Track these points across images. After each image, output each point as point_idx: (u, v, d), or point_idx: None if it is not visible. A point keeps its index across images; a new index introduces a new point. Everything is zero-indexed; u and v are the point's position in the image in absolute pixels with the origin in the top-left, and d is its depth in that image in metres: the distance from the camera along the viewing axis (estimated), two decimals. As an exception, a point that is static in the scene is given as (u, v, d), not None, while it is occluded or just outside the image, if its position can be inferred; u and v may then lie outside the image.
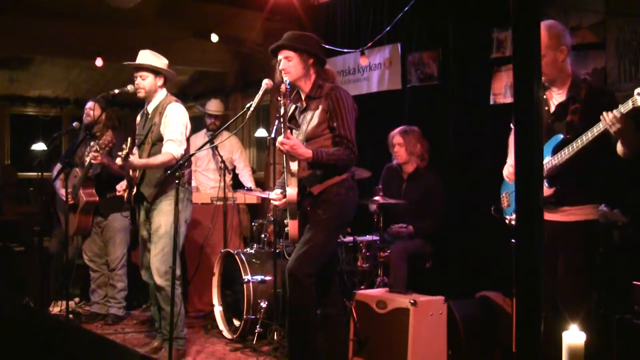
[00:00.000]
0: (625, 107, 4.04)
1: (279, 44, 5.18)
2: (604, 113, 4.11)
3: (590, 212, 4.50)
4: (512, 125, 4.94)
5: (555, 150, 4.37)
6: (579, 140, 4.25)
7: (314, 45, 5.26)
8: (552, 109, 4.51)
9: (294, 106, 5.32)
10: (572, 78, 4.51)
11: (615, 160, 4.41)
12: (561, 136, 4.38)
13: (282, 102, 4.97)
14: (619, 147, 4.26)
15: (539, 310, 1.92)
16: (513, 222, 4.75)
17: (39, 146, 13.36)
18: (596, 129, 4.16)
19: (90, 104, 7.19)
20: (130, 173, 5.95)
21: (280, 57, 5.16)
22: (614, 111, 4.07)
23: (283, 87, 4.96)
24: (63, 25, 9.68)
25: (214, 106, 8.76)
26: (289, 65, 5.11)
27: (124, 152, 5.50)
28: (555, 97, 4.52)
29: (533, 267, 1.93)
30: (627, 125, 4.09)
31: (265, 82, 5.08)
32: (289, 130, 4.95)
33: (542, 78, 4.44)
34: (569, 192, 4.42)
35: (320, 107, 5.05)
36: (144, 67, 6.03)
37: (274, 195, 5.35)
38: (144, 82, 6.03)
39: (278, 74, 5.12)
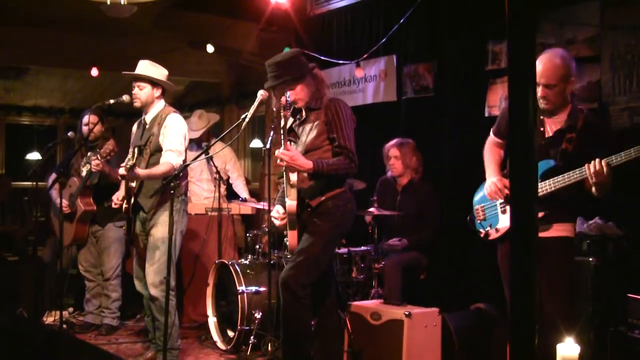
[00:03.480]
0: (618, 159, 4.11)
1: (281, 82, 5.08)
2: (587, 165, 4.16)
3: (567, 228, 4.52)
4: (491, 133, 4.99)
5: (544, 176, 4.38)
6: (565, 177, 4.28)
7: (304, 64, 5.23)
8: (548, 132, 4.51)
9: (292, 119, 5.32)
10: (571, 106, 4.52)
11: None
12: (552, 162, 4.39)
13: (282, 114, 4.97)
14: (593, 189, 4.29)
15: (533, 322, 1.92)
16: (490, 237, 4.78)
17: (34, 155, 13.37)
18: (578, 174, 4.24)
19: (87, 117, 7.17)
20: (129, 184, 5.94)
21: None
22: (603, 162, 4.11)
23: (283, 99, 4.95)
24: (59, 35, 9.71)
25: (196, 125, 8.69)
26: (295, 93, 5.09)
27: (129, 162, 5.47)
28: (551, 122, 4.52)
29: (528, 279, 1.94)
30: (608, 179, 4.15)
31: (261, 93, 5.09)
32: (288, 142, 4.97)
33: (546, 106, 4.45)
34: (551, 213, 4.43)
35: (320, 119, 5.06)
36: (141, 78, 6.03)
37: (275, 213, 5.36)
38: (141, 92, 6.03)
39: (275, 101, 5.10)
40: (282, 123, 4.99)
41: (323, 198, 5.03)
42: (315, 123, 5.08)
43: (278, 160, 4.97)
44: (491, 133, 5.06)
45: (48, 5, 8.78)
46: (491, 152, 5.01)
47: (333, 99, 5.18)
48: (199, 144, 8.60)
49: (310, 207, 5.05)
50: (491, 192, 4.80)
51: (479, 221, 4.96)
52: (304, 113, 5.21)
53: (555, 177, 4.34)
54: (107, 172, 6.66)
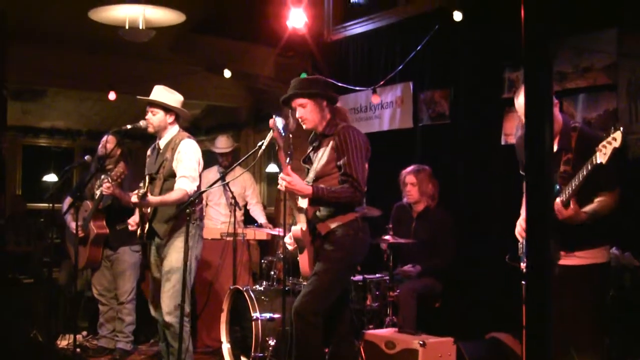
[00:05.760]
0: (566, 194, 4.21)
1: (291, 93, 5.18)
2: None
3: (598, 255, 4.47)
4: (522, 173, 4.96)
5: None
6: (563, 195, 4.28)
7: (323, 87, 5.26)
8: None
9: (310, 147, 5.34)
10: (562, 128, 4.49)
11: (626, 203, 4.40)
12: (557, 187, 4.35)
13: (273, 136, 4.94)
14: None
15: (548, 355, 1.89)
16: (524, 270, 4.73)
17: (51, 177, 13.42)
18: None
19: (105, 138, 7.22)
20: (143, 210, 5.94)
21: (293, 105, 5.16)
22: (557, 200, 4.19)
23: (271, 121, 4.92)
24: (77, 58, 9.76)
25: (221, 143, 8.78)
26: (304, 112, 5.13)
27: (141, 191, 5.47)
28: None
29: (543, 310, 1.91)
30: (569, 214, 4.22)
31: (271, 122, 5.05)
32: (288, 167, 4.96)
33: None
34: (574, 237, 4.38)
35: (330, 145, 5.06)
36: (155, 103, 6.05)
37: (288, 239, 5.36)
38: (154, 117, 6.04)
39: (292, 121, 5.12)
40: (277, 147, 4.98)
41: (332, 226, 5.02)
42: (326, 150, 5.09)
43: (278, 185, 4.99)
44: (521, 172, 5.04)
45: (66, 28, 8.84)
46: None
47: (346, 126, 5.16)
48: (223, 164, 8.68)
49: (320, 235, 5.04)
50: (517, 232, 4.79)
51: (521, 255, 4.91)
52: (318, 141, 5.22)
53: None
54: (118, 196, 6.66)
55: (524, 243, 4.79)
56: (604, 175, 4.21)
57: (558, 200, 4.20)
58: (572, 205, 4.20)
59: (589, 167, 4.08)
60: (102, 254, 7.33)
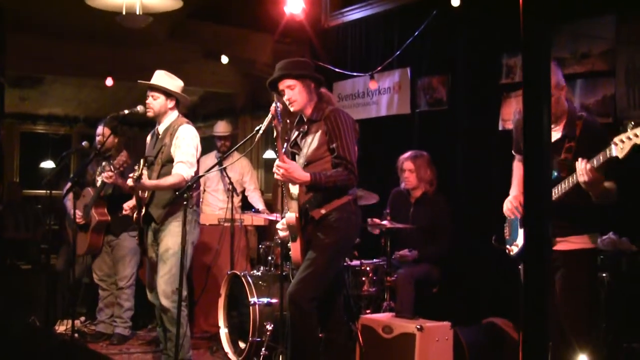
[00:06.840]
0: (597, 161, 4.08)
1: (280, 75, 5.15)
2: (578, 161, 4.14)
3: (588, 240, 4.49)
4: (513, 152, 4.96)
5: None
6: (567, 181, 4.25)
7: (311, 69, 5.24)
8: None
9: (296, 132, 5.31)
10: (568, 114, 4.49)
11: (623, 189, 4.40)
12: (555, 174, 4.35)
13: (273, 124, 4.93)
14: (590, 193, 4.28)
15: (546, 339, 1.90)
16: (512, 253, 4.75)
17: (48, 164, 13.43)
18: (572, 180, 4.19)
19: (100, 128, 7.22)
20: (140, 194, 5.94)
21: (281, 87, 5.14)
22: (588, 162, 4.10)
23: (273, 108, 4.92)
24: (74, 45, 9.75)
25: (221, 127, 8.77)
26: (293, 93, 5.09)
27: (136, 173, 5.48)
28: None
29: (540, 295, 1.92)
30: (595, 179, 4.12)
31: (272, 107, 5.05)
32: (284, 155, 4.94)
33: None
34: (564, 225, 4.39)
35: (320, 130, 5.03)
36: (156, 88, 6.04)
37: (281, 225, 5.34)
38: (155, 102, 6.04)
39: (279, 105, 5.07)
40: (275, 134, 4.97)
41: (325, 211, 4.99)
42: (316, 134, 5.06)
43: (274, 174, 4.95)
44: (513, 152, 5.03)
45: (64, 15, 8.82)
46: (516, 169, 4.99)
47: (334, 109, 5.13)
48: (221, 149, 8.66)
49: (313, 219, 5.03)
50: (507, 210, 4.79)
51: (506, 238, 4.91)
52: (306, 125, 5.20)
53: (556, 186, 4.30)
54: (120, 184, 6.66)
55: (510, 223, 4.82)
56: (613, 167, 4.20)
57: (587, 165, 4.15)
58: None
59: (601, 159, 4.04)
60: (103, 241, 7.34)
